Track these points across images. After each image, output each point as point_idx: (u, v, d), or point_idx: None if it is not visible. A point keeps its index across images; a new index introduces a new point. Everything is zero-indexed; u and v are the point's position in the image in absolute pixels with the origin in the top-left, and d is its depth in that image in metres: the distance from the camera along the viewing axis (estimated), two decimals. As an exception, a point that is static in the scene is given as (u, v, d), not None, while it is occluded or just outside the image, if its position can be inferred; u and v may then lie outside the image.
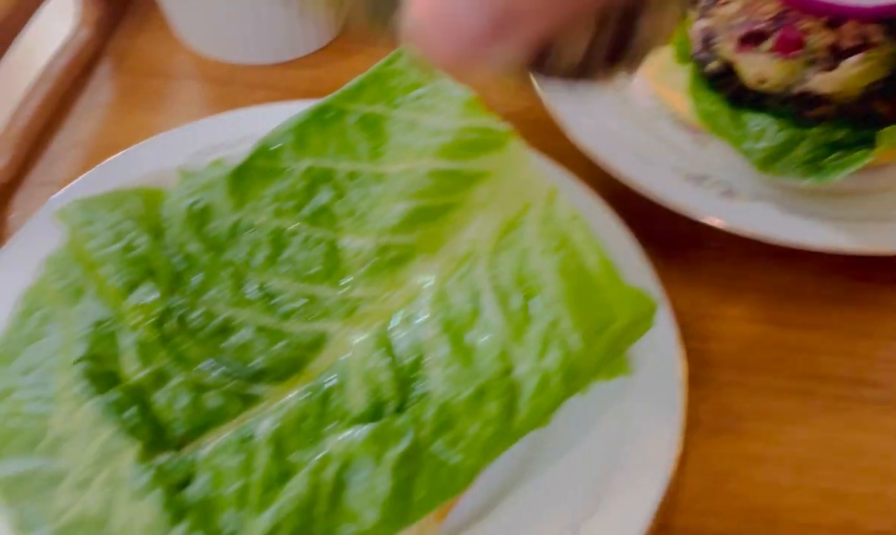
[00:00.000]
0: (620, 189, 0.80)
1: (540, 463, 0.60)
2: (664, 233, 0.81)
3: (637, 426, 0.62)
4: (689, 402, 0.64)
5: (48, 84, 0.94)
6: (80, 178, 0.75)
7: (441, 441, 0.55)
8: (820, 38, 0.76)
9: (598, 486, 0.59)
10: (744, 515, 0.63)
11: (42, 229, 0.71)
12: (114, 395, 0.58)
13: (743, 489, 0.64)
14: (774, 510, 0.63)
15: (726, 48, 0.79)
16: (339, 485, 0.54)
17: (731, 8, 0.80)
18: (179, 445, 0.57)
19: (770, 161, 0.77)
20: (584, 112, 0.86)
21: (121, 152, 0.78)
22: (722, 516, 0.63)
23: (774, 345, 0.74)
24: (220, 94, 0.98)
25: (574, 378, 0.58)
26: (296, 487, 0.54)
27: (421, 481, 0.54)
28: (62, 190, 0.75)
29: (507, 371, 0.58)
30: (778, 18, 0.77)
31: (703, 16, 0.83)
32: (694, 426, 0.67)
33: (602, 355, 0.60)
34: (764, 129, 0.78)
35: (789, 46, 0.76)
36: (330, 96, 0.78)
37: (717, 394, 0.70)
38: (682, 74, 0.88)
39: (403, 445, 0.55)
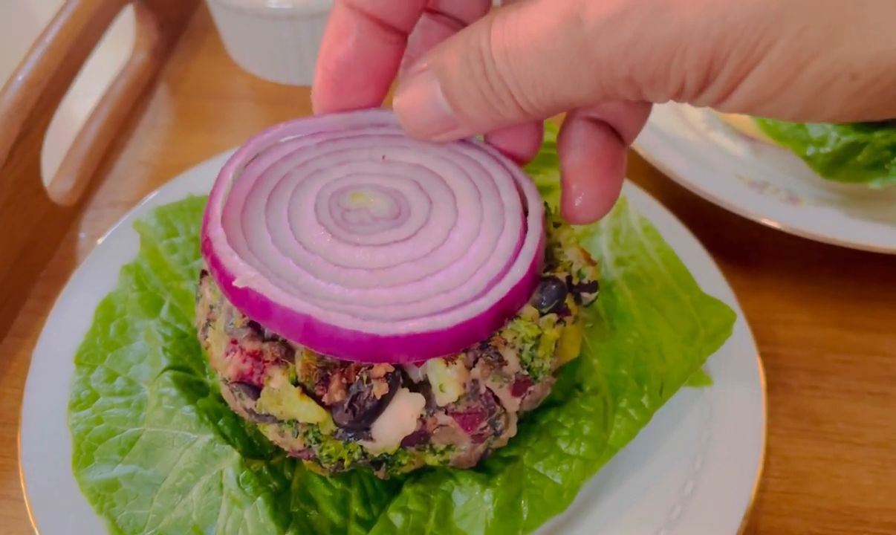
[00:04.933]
0: (681, 198, 0.80)
1: (627, 472, 0.60)
2: (728, 240, 0.82)
3: (721, 432, 0.62)
4: (766, 406, 0.64)
5: (108, 107, 0.95)
6: (153, 193, 0.76)
7: (542, 462, 0.55)
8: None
9: (686, 490, 0.59)
10: (829, 515, 0.63)
11: (119, 241, 0.72)
12: (206, 403, 0.58)
13: (825, 491, 0.64)
14: (859, 511, 0.63)
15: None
16: (447, 505, 0.54)
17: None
18: (270, 455, 0.58)
19: (834, 166, 0.78)
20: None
21: (189, 170, 0.79)
22: (807, 517, 0.63)
23: (845, 349, 0.74)
24: (276, 114, 0.99)
25: (662, 389, 0.59)
26: (404, 502, 0.54)
27: (525, 500, 0.54)
28: (139, 204, 0.75)
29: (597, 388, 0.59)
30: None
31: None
32: (772, 430, 0.67)
33: (687, 365, 0.60)
34: (825, 135, 0.78)
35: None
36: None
37: (793, 398, 0.70)
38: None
39: (507, 467, 0.55)
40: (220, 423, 0.57)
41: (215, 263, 0.46)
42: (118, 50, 1.02)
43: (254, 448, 0.58)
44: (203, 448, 0.56)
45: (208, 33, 1.09)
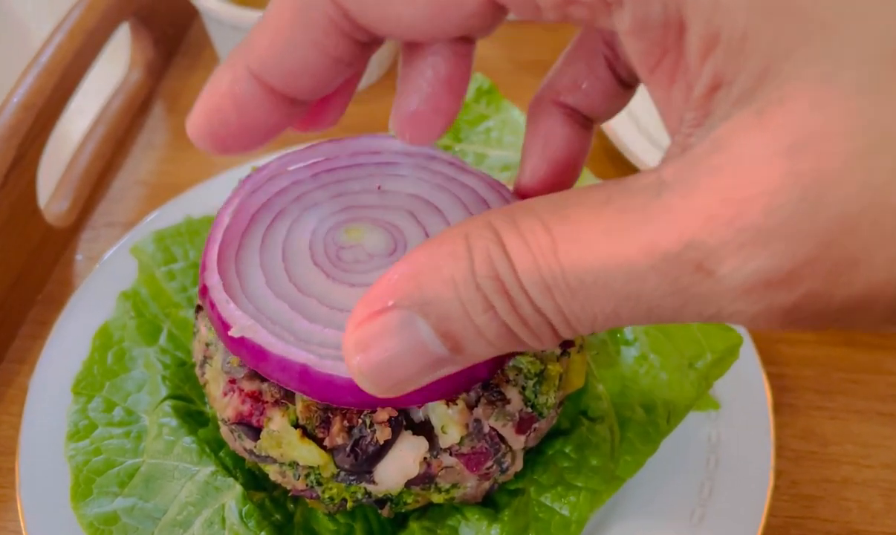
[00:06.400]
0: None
1: (634, 500, 0.59)
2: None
3: (728, 457, 0.61)
4: (774, 428, 0.63)
5: (104, 126, 0.94)
6: (151, 215, 0.75)
7: (549, 494, 0.54)
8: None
9: (695, 518, 0.58)
10: (839, 541, 0.62)
11: (117, 265, 0.71)
12: (207, 434, 0.57)
13: (835, 514, 0.64)
14: (870, 535, 0.62)
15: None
16: None
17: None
18: (273, 486, 0.57)
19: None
20: (647, 142, 0.86)
21: (187, 190, 0.78)
22: (817, 542, 0.62)
23: (853, 367, 0.73)
24: (273, 131, 0.98)
25: (669, 417, 0.58)
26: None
27: (533, 534, 0.53)
28: (137, 227, 0.74)
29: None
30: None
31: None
32: (780, 452, 0.67)
33: (693, 392, 0.59)
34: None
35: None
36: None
37: (801, 419, 0.69)
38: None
39: (513, 501, 0.54)
40: (221, 454, 0.56)
41: (212, 307, 0.45)
42: (113, 67, 1.01)
43: (256, 480, 0.57)
44: (205, 481, 0.55)
45: (204, 50, 1.08)
